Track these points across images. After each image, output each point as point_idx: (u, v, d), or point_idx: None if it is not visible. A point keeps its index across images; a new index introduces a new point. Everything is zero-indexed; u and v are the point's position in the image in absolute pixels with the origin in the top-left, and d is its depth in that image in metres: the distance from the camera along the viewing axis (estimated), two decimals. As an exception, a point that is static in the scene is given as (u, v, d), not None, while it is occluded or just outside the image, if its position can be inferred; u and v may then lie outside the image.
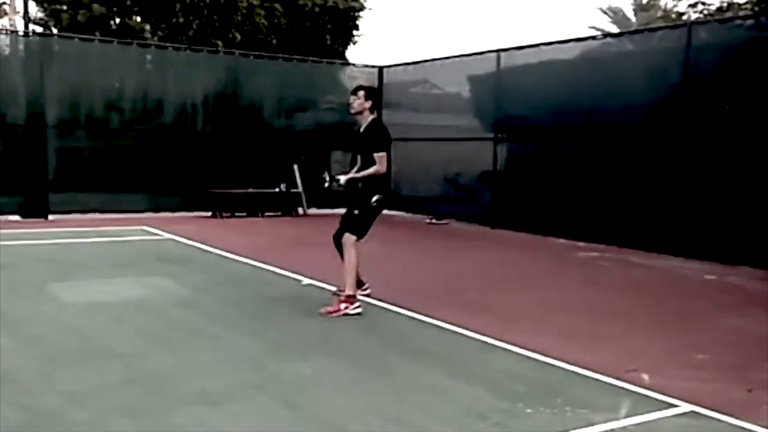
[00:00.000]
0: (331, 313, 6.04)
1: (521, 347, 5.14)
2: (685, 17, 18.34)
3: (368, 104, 6.30)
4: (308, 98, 16.04)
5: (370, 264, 9.13)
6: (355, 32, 24.22)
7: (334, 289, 7.02)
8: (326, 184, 6.55)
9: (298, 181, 14.78)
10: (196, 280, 7.43)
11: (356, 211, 6.22)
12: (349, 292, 6.14)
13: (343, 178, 6.38)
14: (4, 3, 24.56)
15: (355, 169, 6.43)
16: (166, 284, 7.19)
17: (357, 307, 6.13)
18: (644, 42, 11.44)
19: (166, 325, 5.69)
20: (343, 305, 6.09)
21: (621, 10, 30.49)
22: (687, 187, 9.89)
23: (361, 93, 6.32)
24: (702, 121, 9.82)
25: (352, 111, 6.40)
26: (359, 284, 6.45)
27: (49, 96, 12.85)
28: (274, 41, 21.57)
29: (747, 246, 9.16)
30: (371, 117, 6.33)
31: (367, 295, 6.55)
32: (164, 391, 4.13)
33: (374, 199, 6.15)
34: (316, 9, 22.53)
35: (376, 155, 6.14)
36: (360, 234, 6.19)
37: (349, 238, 6.19)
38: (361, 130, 6.37)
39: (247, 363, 4.71)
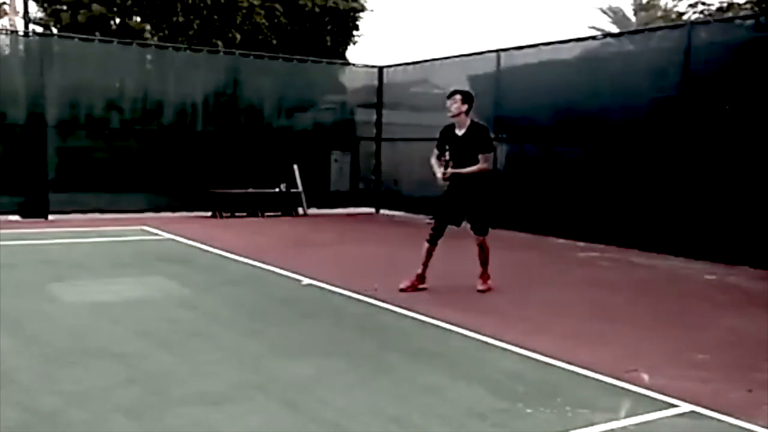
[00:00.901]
0: (486, 290, 7.06)
1: (521, 347, 5.14)
2: (685, 17, 18.35)
3: (465, 107, 6.75)
4: (308, 98, 16.04)
5: (371, 264, 9.16)
6: (355, 32, 24.26)
7: (336, 290, 7.06)
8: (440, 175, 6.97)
9: (298, 181, 14.79)
10: (196, 280, 7.43)
11: (482, 212, 6.97)
12: (486, 272, 7.12)
13: (449, 171, 6.82)
14: (4, 3, 24.58)
15: (450, 166, 6.85)
16: (166, 284, 7.19)
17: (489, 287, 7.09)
18: (644, 42, 11.43)
19: (166, 325, 5.69)
20: (489, 281, 7.11)
21: (621, 10, 30.51)
22: (687, 187, 9.89)
23: (458, 96, 6.74)
24: (702, 121, 9.82)
25: (450, 114, 6.82)
26: (421, 279, 7.06)
27: (49, 96, 12.85)
28: (274, 41, 21.59)
29: (747, 246, 9.16)
30: (469, 120, 6.79)
31: (423, 289, 7.02)
32: (164, 391, 4.13)
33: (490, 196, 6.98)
34: (317, 9, 22.55)
35: (482, 156, 6.76)
36: (487, 231, 7.03)
37: (480, 239, 7.01)
38: (460, 133, 6.84)
39: (247, 363, 4.71)
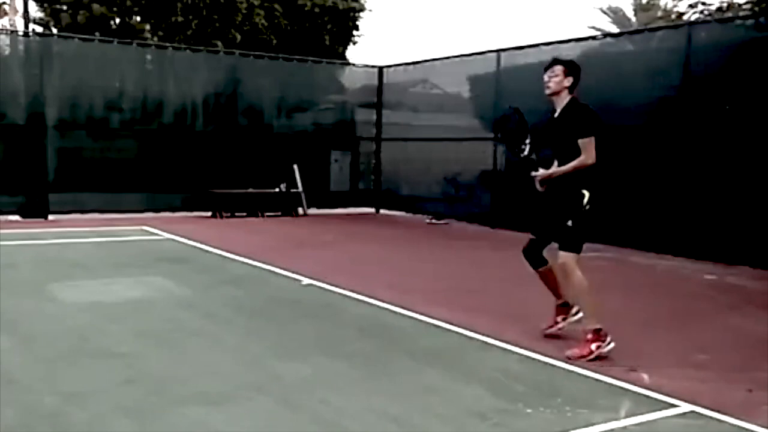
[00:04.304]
0: (582, 357, 4.79)
1: (521, 347, 5.14)
2: (685, 17, 18.32)
3: (568, 82, 5.09)
4: (308, 98, 16.05)
5: (371, 264, 9.16)
6: (354, 32, 24.27)
7: (336, 290, 7.04)
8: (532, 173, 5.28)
9: (298, 181, 14.79)
10: (196, 280, 7.43)
11: (569, 222, 5.04)
12: (593, 325, 4.89)
13: (541, 172, 5.25)
14: (4, 3, 24.55)
15: (555, 164, 5.26)
16: (165, 284, 7.19)
17: (609, 343, 4.86)
18: (644, 42, 11.44)
19: (166, 325, 5.69)
20: (594, 345, 4.84)
21: (621, 10, 30.47)
22: (687, 187, 9.88)
23: (559, 68, 5.11)
24: (702, 121, 9.82)
25: (548, 91, 5.16)
26: (564, 305, 5.42)
27: (49, 96, 12.85)
28: (274, 41, 21.60)
29: (747, 246, 9.16)
30: (569, 97, 5.13)
31: (577, 321, 5.34)
32: (164, 391, 4.13)
33: (585, 200, 5.05)
34: (316, 9, 22.57)
35: (580, 141, 4.98)
36: (578, 249, 5.07)
37: (566, 258, 5.03)
38: (556, 114, 5.19)
39: (247, 363, 4.71)
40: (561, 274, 5.12)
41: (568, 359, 4.83)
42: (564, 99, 5.16)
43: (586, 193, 5.07)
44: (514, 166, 12.95)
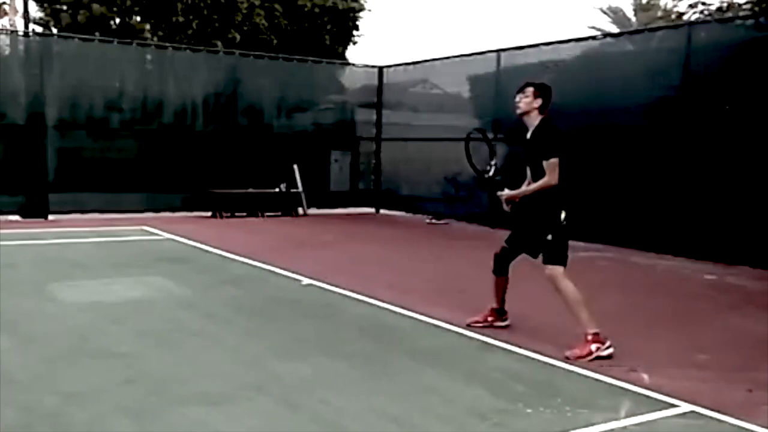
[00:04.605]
0: (581, 357, 4.93)
1: (521, 347, 5.14)
2: (685, 17, 18.32)
3: (537, 103, 5.39)
4: (308, 98, 16.05)
5: (371, 264, 9.16)
6: (354, 32, 24.28)
7: (336, 290, 7.04)
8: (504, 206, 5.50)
9: (298, 181, 14.79)
10: (196, 280, 7.43)
11: (549, 236, 5.18)
12: (591, 329, 5.06)
13: (505, 193, 5.50)
14: (4, 3, 24.56)
15: (525, 183, 5.51)
16: (165, 284, 7.19)
17: (608, 347, 5.01)
18: (644, 42, 11.44)
19: (166, 325, 5.69)
20: (593, 346, 4.98)
21: (621, 10, 30.47)
22: (687, 187, 9.89)
23: (530, 90, 5.43)
24: (702, 121, 9.82)
25: (518, 111, 5.48)
26: (500, 312, 5.74)
27: (49, 96, 12.85)
28: (274, 41, 21.60)
29: (747, 246, 9.16)
30: (539, 118, 5.40)
31: (505, 326, 5.71)
32: (164, 391, 4.13)
33: (563, 216, 5.19)
34: (316, 9, 22.57)
35: (545, 163, 5.18)
36: (563, 261, 5.20)
37: (553, 271, 5.18)
38: (528, 135, 5.46)
39: (247, 363, 4.71)
40: (559, 286, 5.22)
41: (567, 359, 4.92)
42: (535, 119, 5.41)
43: (563, 213, 5.23)
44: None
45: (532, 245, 5.36)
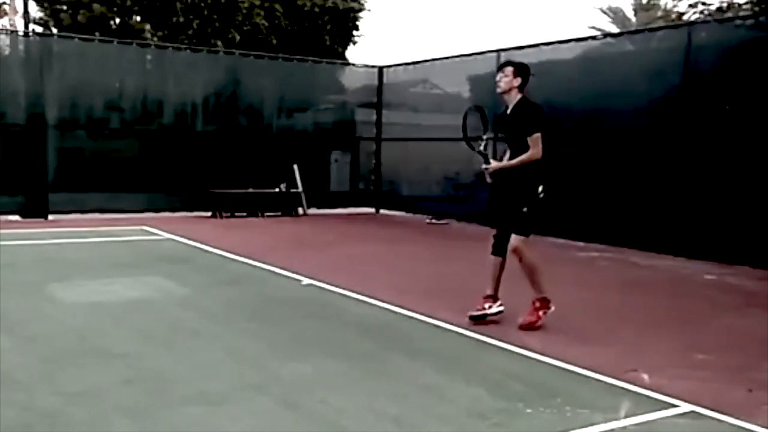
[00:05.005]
0: (531, 323, 5.55)
1: (521, 347, 5.14)
2: (685, 17, 18.33)
3: (517, 82, 5.70)
4: (308, 98, 16.06)
5: (371, 264, 9.16)
6: (354, 32, 24.26)
7: (336, 290, 7.04)
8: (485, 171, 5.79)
9: (298, 181, 14.79)
10: (196, 280, 7.43)
11: (524, 208, 5.59)
12: (542, 294, 5.65)
13: (492, 165, 5.78)
14: (4, 3, 24.55)
15: (507, 157, 5.82)
16: (166, 284, 7.19)
17: (551, 308, 5.67)
18: (644, 42, 11.44)
19: (166, 325, 5.69)
20: (541, 312, 5.62)
21: (621, 10, 30.49)
22: (687, 187, 9.89)
23: (509, 69, 5.74)
24: (702, 121, 9.82)
25: (499, 90, 5.82)
26: (495, 298, 5.90)
27: (49, 96, 12.85)
28: (274, 41, 21.59)
29: (747, 246, 9.16)
30: (519, 96, 5.73)
31: (499, 312, 5.88)
32: (164, 391, 4.13)
33: (540, 189, 5.60)
34: (316, 9, 22.56)
35: (529, 138, 5.54)
36: (528, 232, 5.63)
37: (517, 240, 5.60)
38: (508, 111, 5.79)
39: (247, 363, 4.71)
40: (518, 253, 5.64)
41: (521, 328, 5.56)
42: (515, 97, 5.76)
43: (540, 185, 5.64)
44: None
45: (509, 218, 5.70)
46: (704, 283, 8.24)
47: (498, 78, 5.82)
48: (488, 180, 5.88)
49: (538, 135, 5.56)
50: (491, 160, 5.87)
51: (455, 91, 15.00)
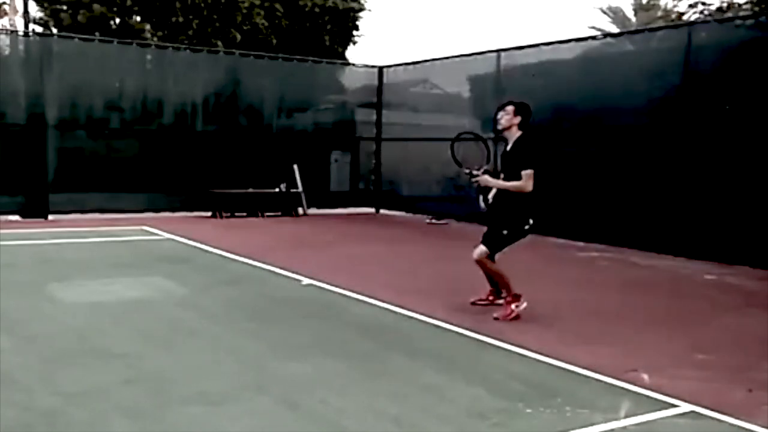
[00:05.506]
0: (506, 316, 5.97)
1: (521, 347, 5.14)
2: (685, 17, 18.34)
3: (517, 120, 6.04)
4: (308, 98, 16.06)
5: (371, 264, 9.16)
6: (354, 32, 24.26)
7: (336, 290, 7.04)
8: (482, 205, 6.30)
9: (298, 181, 14.79)
10: (196, 280, 7.43)
11: (505, 231, 6.02)
12: (511, 293, 6.06)
13: (482, 177, 6.09)
14: (4, 3, 24.54)
15: (501, 177, 6.18)
16: (165, 284, 7.19)
17: (523, 303, 6.04)
18: (644, 42, 11.44)
19: (166, 325, 5.69)
20: (513, 306, 6.02)
21: (621, 10, 30.49)
22: (687, 187, 9.89)
23: (510, 108, 6.08)
24: (702, 121, 9.82)
25: (499, 127, 6.17)
26: (497, 292, 6.34)
27: (49, 96, 12.85)
28: (274, 41, 21.59)
29: (747, 246, 9.16)
30: (519, 134, 6.06)
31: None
32: (164, 391, 4.13)
33: (529, 224, 6.01)
34: (316, 9, 22.56)
35: (523, 172, 5.87)
36: (494, 251, 6.10)
37: (482, 252, 6.07)
38: (508, 148, 6.12)
39: (247, 363, 4.71)
40: (478, 259, 6.11)
41: (496, 320, 5.93)
42: (514, 134, 6.09)
43: (531, 220, 6.01)
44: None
45: (488, 231, 6.15)
46: (704, 283, 8.24)
47: (499, 116, 6.13)
48: (482, 205, 6.33)
49: (530, 171, 5.89)
50: (483, 175, 6.15)
51: (455, 91, 15.01)
